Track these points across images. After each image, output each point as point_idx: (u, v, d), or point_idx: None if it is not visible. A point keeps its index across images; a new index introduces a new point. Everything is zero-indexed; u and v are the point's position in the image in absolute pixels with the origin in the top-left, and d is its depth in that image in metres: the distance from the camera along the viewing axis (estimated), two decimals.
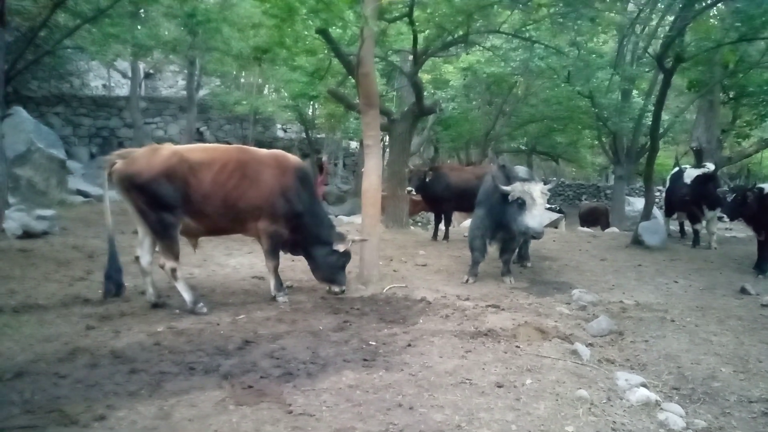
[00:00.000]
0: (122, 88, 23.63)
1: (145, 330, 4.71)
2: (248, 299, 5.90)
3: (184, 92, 20.39)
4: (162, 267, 5.28)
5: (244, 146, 6.30)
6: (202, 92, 21.38)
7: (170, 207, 5.13)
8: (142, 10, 14.47)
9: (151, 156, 5.16)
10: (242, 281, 6.73)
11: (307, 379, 3.79)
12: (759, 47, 11.51)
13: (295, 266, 7.38)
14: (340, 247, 6.01)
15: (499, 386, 3.73)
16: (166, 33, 15.72)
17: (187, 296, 5.33)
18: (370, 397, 3.52)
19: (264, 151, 6.00)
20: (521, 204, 6.25)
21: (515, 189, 6.33)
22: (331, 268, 6.09)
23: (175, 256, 5.26)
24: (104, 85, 23.52)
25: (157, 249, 5.42)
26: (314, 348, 4.40)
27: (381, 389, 3.64)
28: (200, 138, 20.90)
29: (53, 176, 11.63)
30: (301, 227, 5.92)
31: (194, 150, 5.51)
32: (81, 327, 4.72)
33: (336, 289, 6.14)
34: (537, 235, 6.28)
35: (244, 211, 5.53)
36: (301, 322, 5.11)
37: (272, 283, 5.89)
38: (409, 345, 4.53)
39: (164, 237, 5.21)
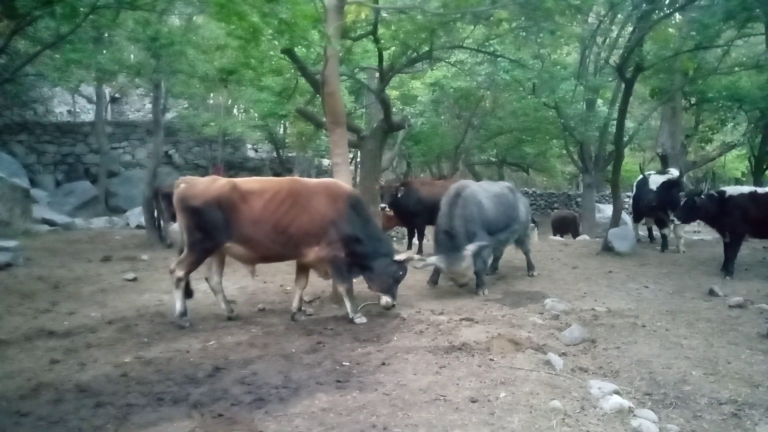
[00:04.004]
0: (88, 114, 23.18)
1: (111, 361, 4.58)
2: (219, 324, 5.80)
3: (152, 115, 20.13)
4: (171, 272, 5.66)
5: (297, 177, 6.74)
6: (169, 115, 21.06)
7: (214, 233, 5.57)
8: (105, 35, 14.26)
9: (209, 184, 5.69)
10: (213, 306, 6.58)
11: (279, 404, 3.72)
12: (715, 54, 11.90)
13: (267, 288, 7.30)
14: (401, 257, 6.13)
15: (474, 401, 3.71)
16: (131, 57, 15.52)
17: (178, 305, 5.66)
18: (343, 420, 3.47)
19: (315, 180, 6.43)
20: None
21: None
22: (389, 277, 6.13)
23: (189, 272, 5.66)
24: (69, 111, 23.09)
25: (211, 269, 5.95)
26: (286, 372, 4.33)
27: (354, 411, 3.59)
28: (169, 161, 20.62)
29: (17, 206, 11.40)
30: (359, 250, 6.04)
31: (248, 181, 5.99)
32: (45, 361, 4.58)
33: (389, 301, 6.11)
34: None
35: (295, 237, 5.74)
36: (273, 346, 5.03)
37: (348, 306, 5.98)
38: (383, 363, 4.49)
39: (195, 255, 5.64)
